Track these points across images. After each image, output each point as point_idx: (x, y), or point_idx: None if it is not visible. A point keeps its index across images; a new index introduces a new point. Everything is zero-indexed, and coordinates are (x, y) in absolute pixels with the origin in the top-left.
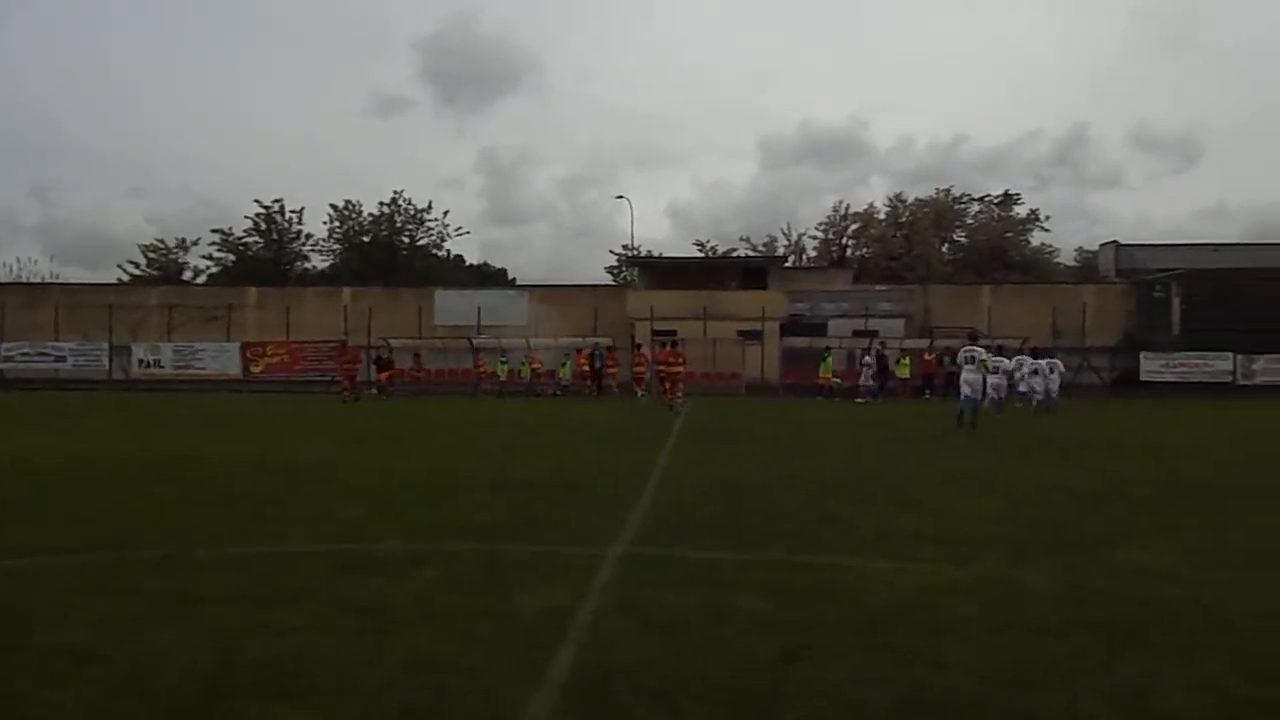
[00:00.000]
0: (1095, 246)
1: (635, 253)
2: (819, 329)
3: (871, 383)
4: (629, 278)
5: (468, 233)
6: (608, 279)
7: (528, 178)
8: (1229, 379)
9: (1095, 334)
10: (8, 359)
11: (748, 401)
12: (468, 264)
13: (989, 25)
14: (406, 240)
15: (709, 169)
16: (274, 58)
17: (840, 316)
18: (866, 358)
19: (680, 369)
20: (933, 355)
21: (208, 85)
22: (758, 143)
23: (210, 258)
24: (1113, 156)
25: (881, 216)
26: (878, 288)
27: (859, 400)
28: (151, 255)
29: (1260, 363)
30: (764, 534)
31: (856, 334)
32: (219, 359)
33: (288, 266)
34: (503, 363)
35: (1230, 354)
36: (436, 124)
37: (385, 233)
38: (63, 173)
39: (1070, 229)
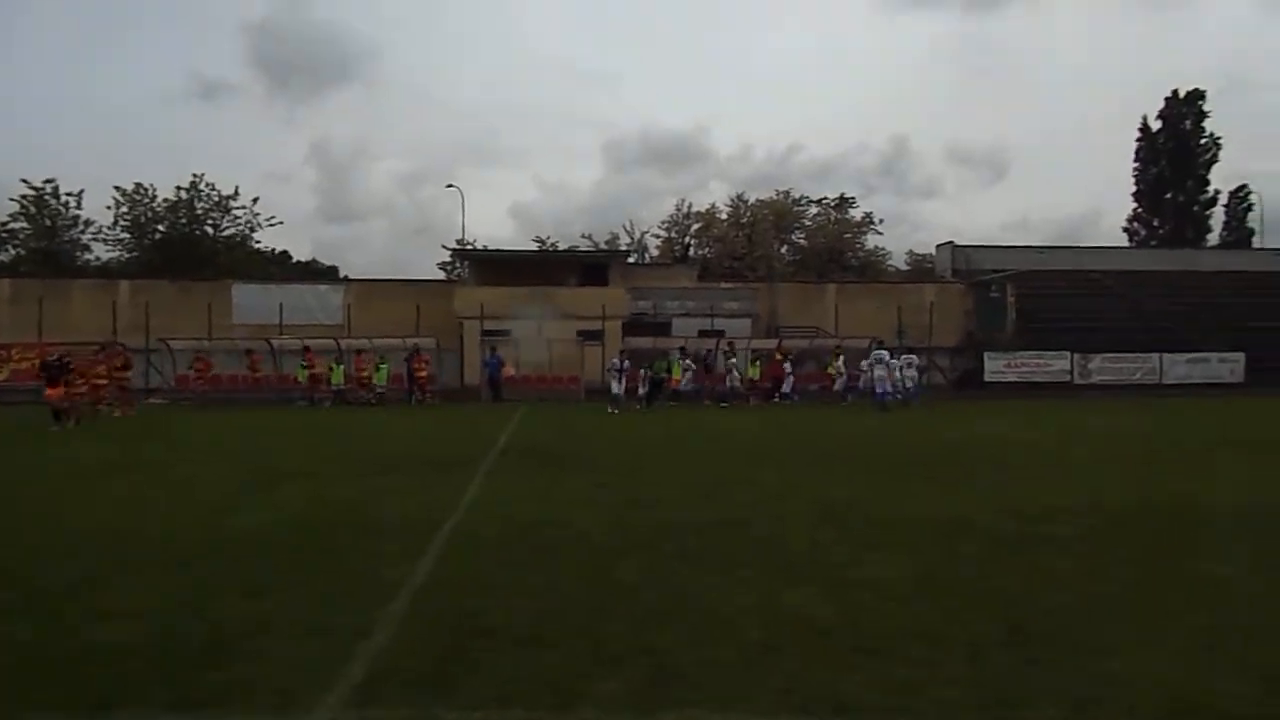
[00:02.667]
0: (925, 250)
1: (467, 246)
2: (663, 328)
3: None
4: (461, 274)
5: (280, 222)
6: (440, 276)
7: (363, 172)
8: (1067, 378)
9: (937, 334)
10: None
11: (587, 408)
12: (294, 260)
13: (823, 41)
14: (211, 230)
15: (552, 169)
16: (89, 34)
17: (685, 315)
18: (686, 359)
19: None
20: (783, 356)
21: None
22: (601, 145)
23: None
24: (931, 169)
25: (724, 216)
26: (723, 285)
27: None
28: None
29: (1096, 362)
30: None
31: (702, 333)
32: None
33: (65, 257)
34: (304, 366)
35: (1068, 353)
36: (264, 112)
37: (183, 221)
38: None
39: (895, 235)
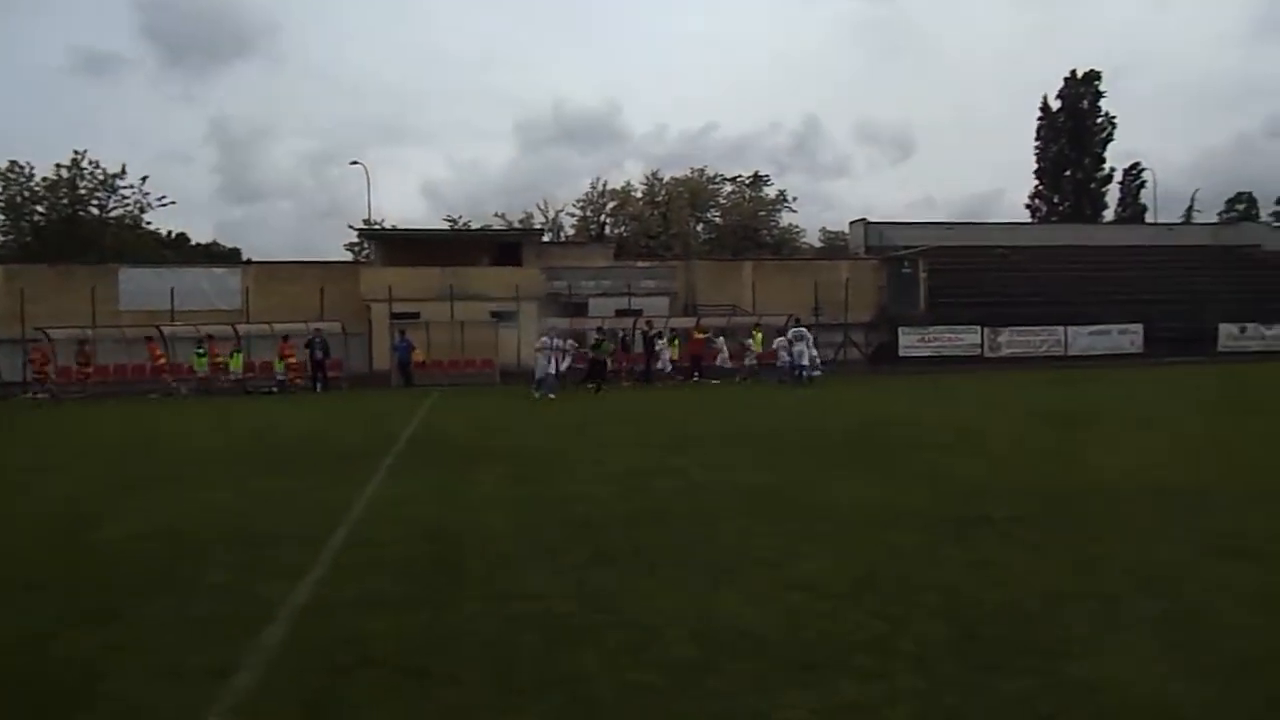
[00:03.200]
0: (838, 228)
1: (375, 226)
2: (579, 308)
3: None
4: (368, 255)
5: (172, 202)
6: (348, 258)
7: (266, 152)
8: (978, 351)
9: (852, 310)
10: None
11: (502, 392)
12: (194, 243)
13: (735, 20)
14: (96, 211)
15: (464, 148)
16: None
17: (602, 295)
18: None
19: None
20: (703, 334)
21: None
22: (514, 124)
23: None
24: (841, 148)
25: (639, 195)
26: (640, 264)
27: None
28: None
29: (1005, 335)
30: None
31: (620, 313)
32: None
33: None
34: (199, 354)
35: (978, 327)
36: (156, 90)
37: (64, 201)
38: None
39: (807, 213)
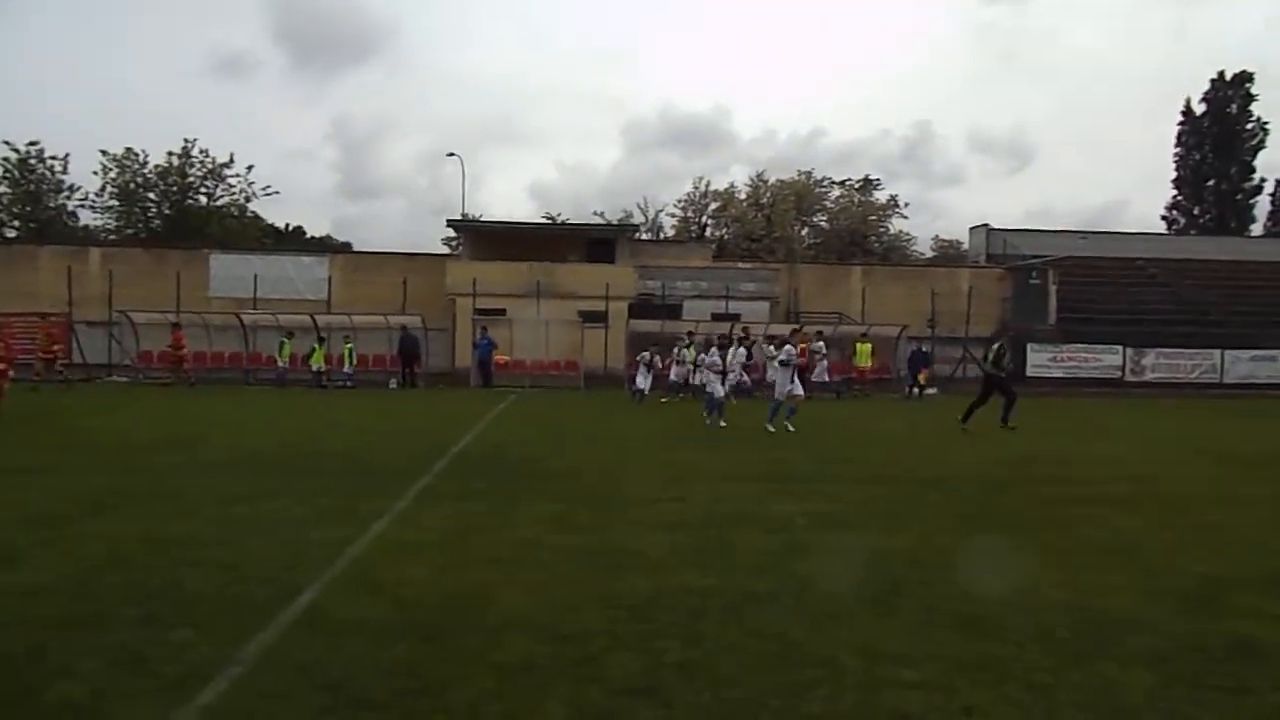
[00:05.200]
0: (951, 237)
1: (466, 219)
2: (673, 311)
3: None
4: (458, 247)
5: (276, 192)
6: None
7: (383, 150)
8: (1118, 374)
9: (973, 322)
10: None
11: (584, 398)
12: (308, 236)
13: (848, 24)
14: (205, 199)
15: (572, 151)
16: (100, 8)
17: (697, 297)
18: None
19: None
20: (806, 343)
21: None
22: (621, 127)
23: None
24: (954, 156)
25: (743, 196)
26: (740, 265)
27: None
28: None
29: (1150, 357)
30: None
31: (716, 317)
32: None
33: (45, 224)
34: (285, 341)
35: (1120, 348)
36: (285, 90)
37: (174, 189)
38: None
39: (917, 223)
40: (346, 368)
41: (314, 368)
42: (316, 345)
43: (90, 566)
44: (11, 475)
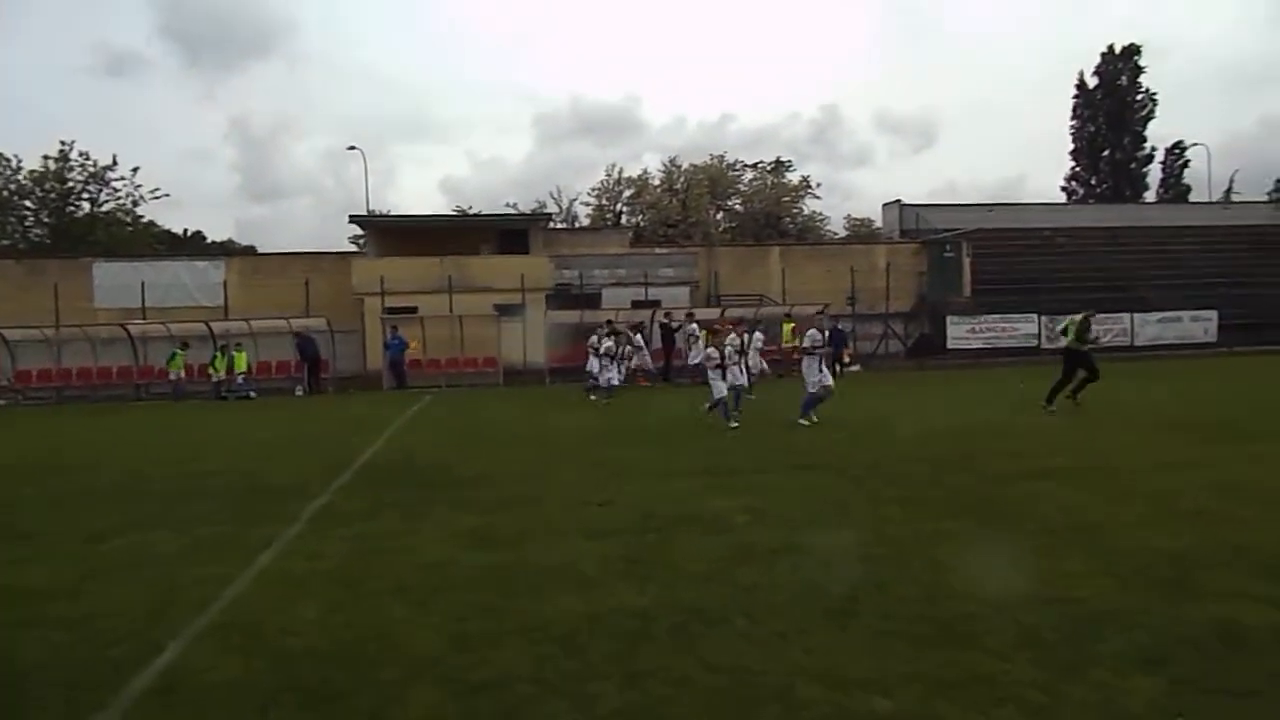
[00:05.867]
0: (862, 215)
1: (371, 215)
2: (592, 300)
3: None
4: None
5: (166, 195)
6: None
7: (286, 149)
8: (1034, 343)
9: (890, 298)
10: None
11: (503, 395)
12: (208, 241)
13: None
14: (86, 206)
15: (483, 144)
16: None
17: (616, 284)
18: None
19: None
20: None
21: None
22: (532, 118)
23: None
24: (862, 137)
25: (657, 183)
26: (658, 250)
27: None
28: None
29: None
30: None
31: (636, 304)
32: None
33: None
34: (179, 352)
35: (1035, 316)
36: (177, 89)
37: (52, 195)
38: None
39: (827, 204)
40: (239, 377)
41: (212, 378)
42: (218, 354)
43: None
44: None
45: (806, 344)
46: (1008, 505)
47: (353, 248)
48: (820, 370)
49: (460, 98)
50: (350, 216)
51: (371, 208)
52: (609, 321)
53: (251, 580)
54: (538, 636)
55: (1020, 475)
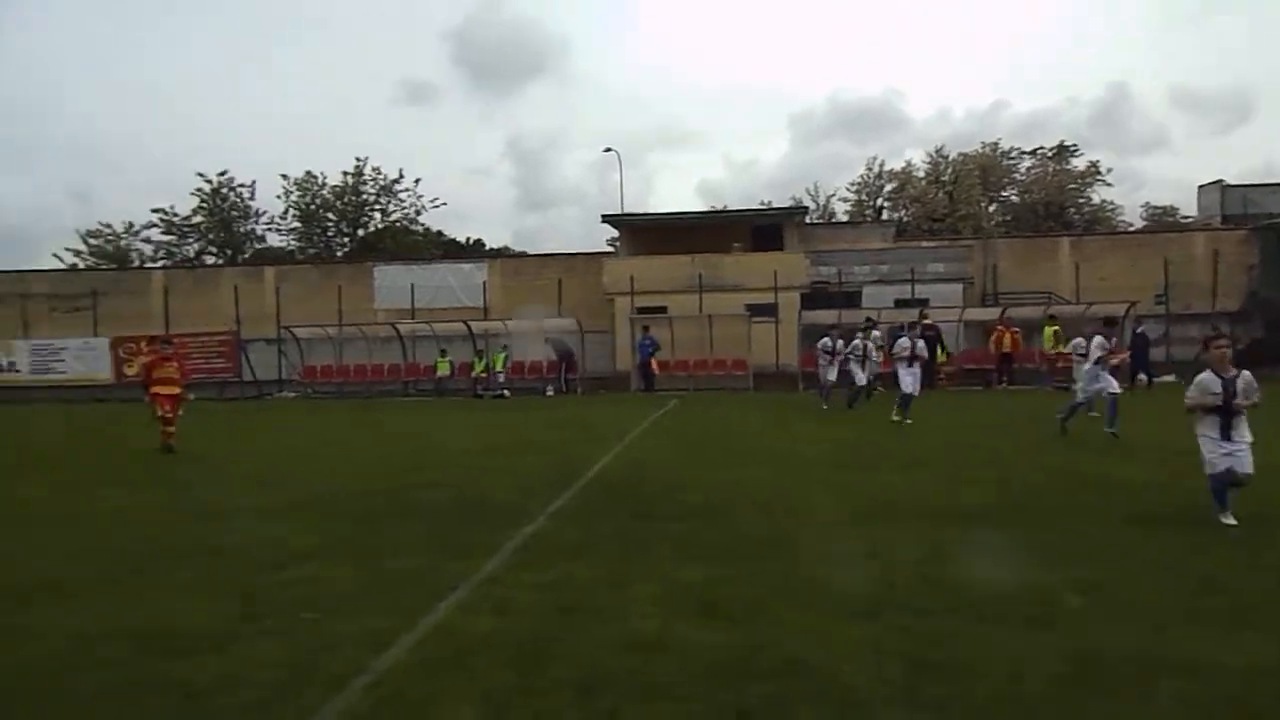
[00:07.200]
0: (1164, 202)
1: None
2: (851, 299)
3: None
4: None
5: (444, 204)
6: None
7: (556, 162)
8: None
9: (1208, 296)
10: None
11: (753, 401)
12: (487, 249)
13: None
14: (378, 215)
15: (739, 148)
16: (305, 45)
17: (878, 282)
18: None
19: None
20: (1006, 330)
21: (235, 75)
22: (788, 119)
23: (149, 240)
24: (1156, 117)
25: (921, 175)
26: (925, 244)
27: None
28: (93, 241)
29: None
30: None
31: (899, 303)
32: (83, 359)
33: (235, 249)
34: (443, 353)
35: None
36: (464, 112)
37: (349, 207)
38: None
39: (1118, 192)
40: (500, 375)
41: (473, 377)
42: (476, 357)
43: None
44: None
45: (1096, 352)
46: None
47: (610, 250)
48: (1101, 378)
49: (716, 103)
50: (603, 216)
51: (624, 209)
52: (869, 320)
53: (413, 646)
54: None
55: None
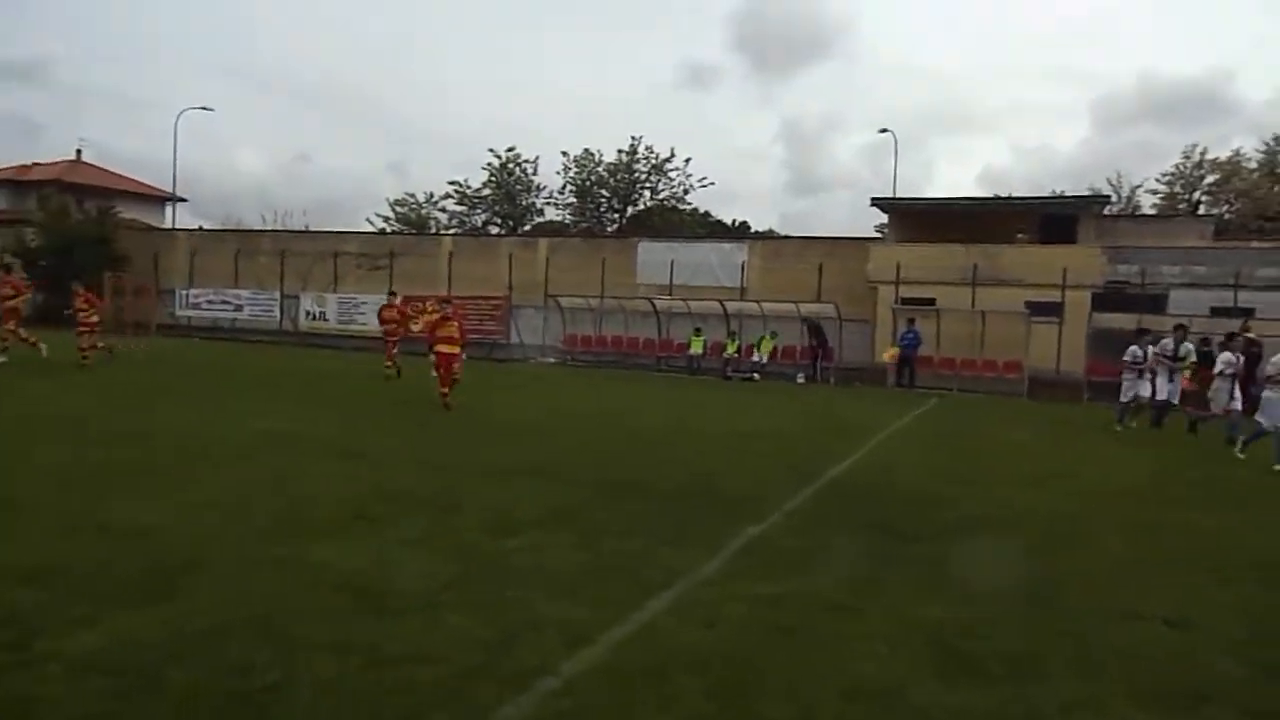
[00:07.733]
0: None
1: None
2: (1156, 303)
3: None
4: (883, 231)
5: (712, 184)
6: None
7: (830, 145)
8: None
9: None
10: (195, 305)
11: (1025, 410)
12: (752, 230)
13: None
14: (648, 193)
15: (1029, 133)
16: (594, 29)
17: (1189, 285)
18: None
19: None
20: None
21: (535, 57)
22: (1089, 103)
23: (445, 210)
24: None
25: (1253, 166)
26: (1254, 245)
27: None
28: (400, 209)
29: None
30: None
31: (1216, 312)
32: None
33: (516, 220)
34: (697, 331)
35: None
36: (742, 93)
37: (622, 184)
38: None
39: None
40: (757, 357)
41: (725, 357)
42: (729, 338)
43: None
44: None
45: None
46: None
47: (877, 235)
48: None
49: (1006, 85)
50: (872, 200)
51: (896, 192)
52: (1180, 327)
53: (613, 646)
54: None
55: None
